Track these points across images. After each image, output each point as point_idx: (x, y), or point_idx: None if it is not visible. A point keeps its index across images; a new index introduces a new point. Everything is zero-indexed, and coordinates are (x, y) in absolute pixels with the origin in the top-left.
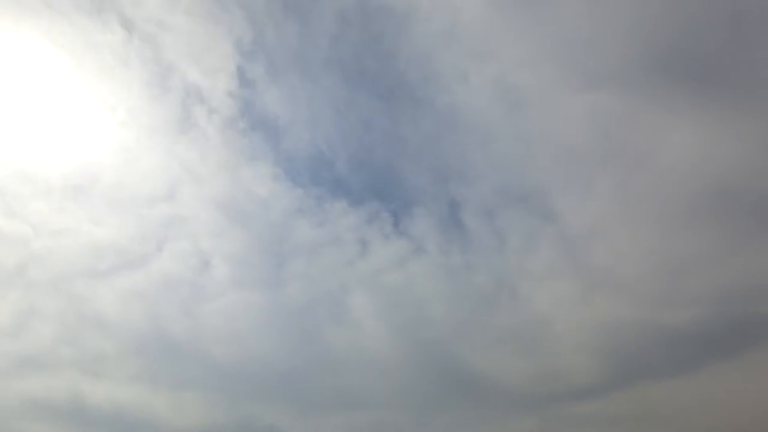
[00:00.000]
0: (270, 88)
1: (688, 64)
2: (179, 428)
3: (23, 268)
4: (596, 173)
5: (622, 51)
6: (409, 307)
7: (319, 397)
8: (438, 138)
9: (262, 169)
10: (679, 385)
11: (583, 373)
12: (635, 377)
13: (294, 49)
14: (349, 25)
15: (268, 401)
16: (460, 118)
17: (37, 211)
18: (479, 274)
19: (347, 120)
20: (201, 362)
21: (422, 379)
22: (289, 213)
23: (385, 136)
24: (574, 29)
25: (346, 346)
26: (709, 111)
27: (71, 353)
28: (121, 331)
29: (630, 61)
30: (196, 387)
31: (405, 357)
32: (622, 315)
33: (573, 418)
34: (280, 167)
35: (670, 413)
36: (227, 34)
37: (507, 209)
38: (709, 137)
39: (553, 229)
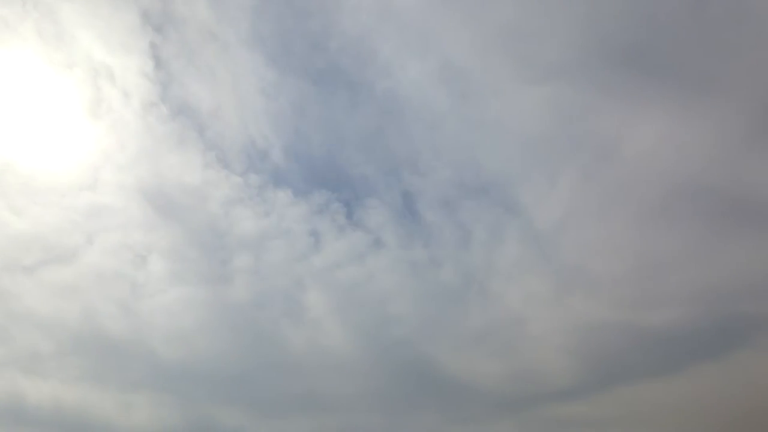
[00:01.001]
0: (187, 68)
1: (650, 58)
2: (129, 431)
3: None
4: (560, 164)
5: (576, 42)
6: (371, 304)
7: (282, 399)
8: (381, 126)
9: (191, 157)
10: (661, 386)
11: (561, 375)
12: (616, 379)
13: (208, 24)
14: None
15: (228, 403)
16: (404, 104)
17: None
18: (445, 269)
19: (277, 104)
20: (148, 362)
21: (393, 381)
22: (228, 203)
23: (321, 122)
24: (523, 19)
25: (306, 346)
26: (677, 106)
27: (4, 352)
28: (56, 329)
29: (586, 53)
30: (145, 388)
31: (372, 358)
32: (600, 316)
33: (552, 420)
34: (212, 154)
35: (652, 415)
36: (133, 4)
37: (467, 200)
38: (677, 133)
39: (519, 223)
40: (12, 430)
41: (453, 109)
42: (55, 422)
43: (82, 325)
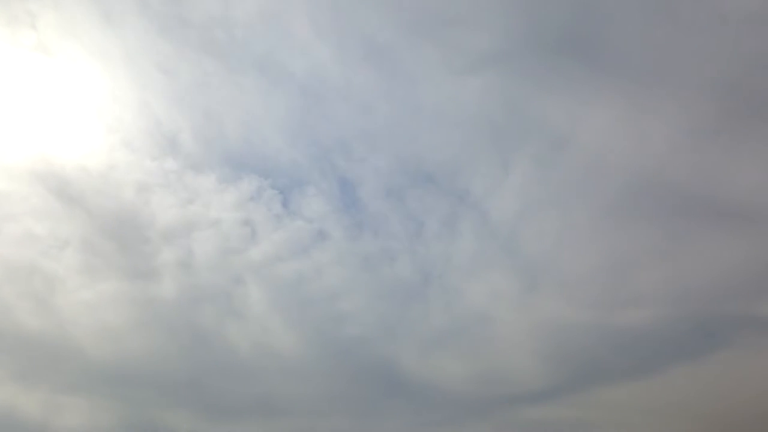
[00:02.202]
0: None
1: (593, 48)
2: None
3: None
4: (510, 154)
5: (510, 31)
6: (321, 301)
7: (236, 403)
8: (303, 108)
9: (92, 141)
10: (638, 387)
11: (532, 377)
12: (590, 380)
13: None
14: None
15: (175, 407)
16: (325, 85)
17: None
18: (399, 263)
19: (178, 82)
20: (78, 362)
21: (354, 384)
22: (144, 189)
23: (232, 103)
24: (451, 6)
25: (254, 347)
26: (630, 98)
27: None
28: None
29: (521, 42)
30: (80, 390)
31: (328, 359)
32: (569, 315)
33: (526, 423)
34: (116, 137)
35: (628, 417)
36: None
37: (413, 189)
38: (633, 126)
39: (473, 214)
40: None
41: (383, 93)
42: None
43: None
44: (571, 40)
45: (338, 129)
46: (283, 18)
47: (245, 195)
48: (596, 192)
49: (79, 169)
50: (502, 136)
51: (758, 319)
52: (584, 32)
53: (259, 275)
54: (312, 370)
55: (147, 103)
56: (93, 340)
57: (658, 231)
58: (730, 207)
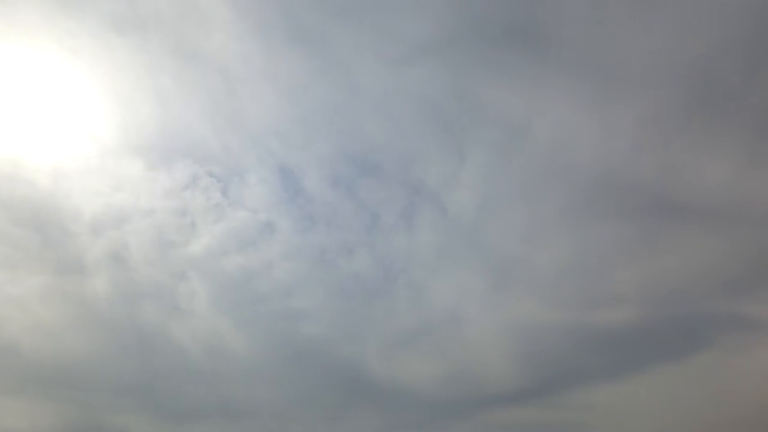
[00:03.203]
0: None
1: (543, 38)
2: None
3: None
4: (464, 144)
5: (449, 21)
6: (272, 299)
7: (187, 405)
8: (225, 91)
9: None
10: (617, 388)
11: (506, 378)
12: (567, 381)
13: None
14: None
15: (119, 409)
16: (242, 65)
17: None
18: (357, 258)
19: (80, 59)
20: (12, 362)
21: (318, 386)
22: (53, 173)
23: (141, 84)
24: None
25: (205, 347)
26: (593, 93)
27: None
28: None
29: (462, 32)
30: (14, 390)
31: (287, 360)
32: (541, 315)
33: (501, 425)
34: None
35: (608, 417)
36: None
37: (362, 179)
38: (592, 122)
39: (430, 206)
40: None
41: (314, 78)
42: None
43: None
44: (518, 29)
45: (268, 114)
46: None
47: (179, 183)
48: (561, 187)
49: None
50: (453, 126)
51: (741, 318)
52: (532, 21)
53: (202, 270)
54: (271, 372)
55: (54, 84)
56: (27, 338)
57: (629, 229)
58: (701, 205)
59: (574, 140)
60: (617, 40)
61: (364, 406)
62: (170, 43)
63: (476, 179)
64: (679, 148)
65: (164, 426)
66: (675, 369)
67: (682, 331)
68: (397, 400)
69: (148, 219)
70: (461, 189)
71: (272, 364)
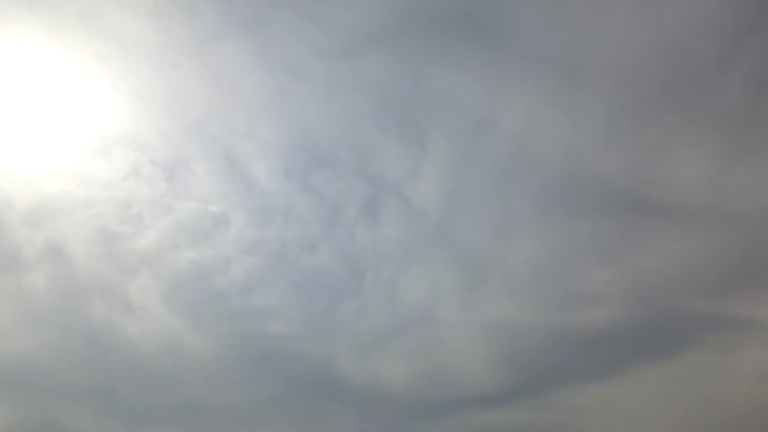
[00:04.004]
0: None
1: (498, 28)
2: None
3: None
4: (424, 135)
5: (392, 12)
6: (230, 296)
7: (148, 407)
8: (149, 74)
9: None
10: (601, 389)
11: (485, 379)
12: (549, 382)
13: None
14: None
15: (73, 412)
16: (175, 52)
17: None
18: (320, 253)
19: None
20: None
21: (288, 388)
22: None
23: (52, 64)
24: None
25: (160, 347)
26: (557, 86)
27: None
28: None
29: (406, 23)
30: None
31: (251, 361)
32: (521, 316)
33: (480, 427)
34: None
35: (592, 418)
36: None
37: (318, 170)
38: (561, 115)
39: (393, 199)
40: None
41: (250, 66)
42: None
43: None
44: (469, 18)
45: (204, 99)
46: None
47: (119, 172)
48: (531, 182)
49: None
50: (412, 116)
51: (727, 318)
52: (483, 10)
53: (153, 266)
54: (237, 373)
55: None
56: None
57: (605, 226)
58: (679, 201)
59: (541, 132)
60: (578, 25)
61: (338, 407)
62: (93, 27)
63: (440, 171)
64: (652, 141)
65: (127, 429)
66: (660, 369)
67: (667, 331)
68: (371, 401)
69: (88, 210)
70: (425, 182)
71: (238, 365)
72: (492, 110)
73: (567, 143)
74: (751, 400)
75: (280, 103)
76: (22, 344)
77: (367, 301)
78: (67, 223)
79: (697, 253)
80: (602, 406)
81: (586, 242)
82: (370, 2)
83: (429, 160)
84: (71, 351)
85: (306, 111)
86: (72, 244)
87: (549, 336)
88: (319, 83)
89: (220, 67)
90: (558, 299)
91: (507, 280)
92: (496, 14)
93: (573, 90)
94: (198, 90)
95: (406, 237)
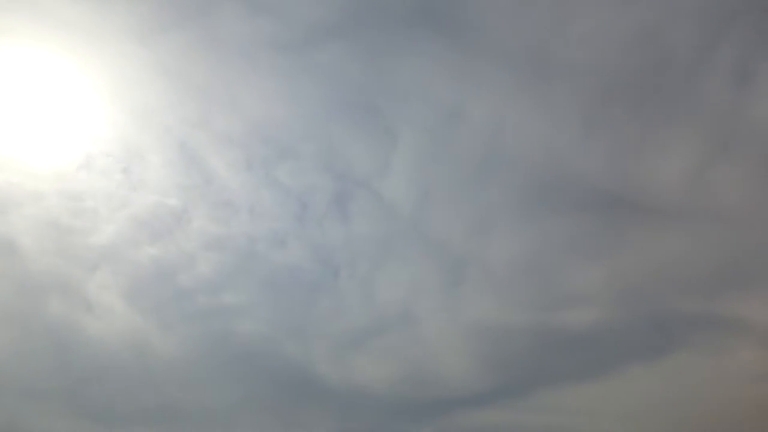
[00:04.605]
0: None
1: (460, 21)
2: None
3: None
4: (393, 128)
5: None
6: (197, 294)
7: (120, 408)
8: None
9: None
10: (588, 389)
11: (469, 379)
12: (534, 383)
13: None
14: None
15: (42, 413)
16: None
17: None
18: (291, 250)
19: None
20: None
21: (264, 388)
22: None
23: None
24: None
25: (127, 347)
26: (529, 81)
27: None
28: None
29: (360, 15)
30: None
31: (224, 361)
32: (504, 316)
33: (465, 428)
34: None
35: (578, 420)
36: None
37: (281, 163)
38: (534, 112)
39: (364, 194)
40: None
41: (197, 55)
42: None
43: None
44: (427, 10)
45: (153, 88)
46: None
47: (71, 163)
48: (507, 178)
49: None
50: (378, 108)
51: (715, 318)
52: (441, 2)
53: (111, 262)
54: (211, 373)
55: None
56: None
57: (585, 225)
58: (659, 199)
59: (516, 126)
60: (551, 17)
61: (318, 409)
62: (26, 11)
63: (411, 165)
64: (632, 137)
65: (96, 430)
66: (648, 370)
67: (655, 332)
68: (352, 403)
69: (39, 204)
70: (396, 176)
71: (211, 366)
72: (461, 102)
73: (544, 138)
74: (740, 401)
75: (233, 94)
76: None
77: (343, 299)
78: (18, 216)
79: (683, 252)
80: (590, 407)
81: (569, 241)
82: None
83: (398, 154)
84: (31, 351)
85: (262, 102)
86: (23, 237)
87: (534, 336)
88: (276, 74)
89: (169, 56)
90: (542, 299)
91: (488, 279)
92: (460, 4)
93: (547, 83)
94: (147, 79)
95: (380, 233)
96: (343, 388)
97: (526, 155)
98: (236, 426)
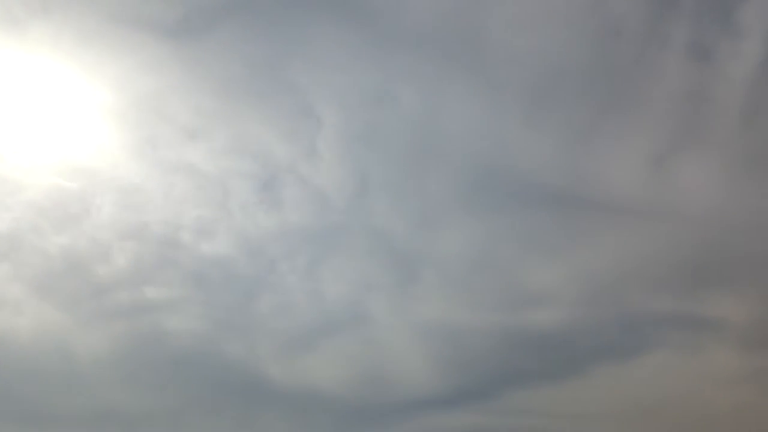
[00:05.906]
0: None
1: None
2: None
3: None
4: (313, 108)
5: None
6: (115, 289)
7: (48, 410)
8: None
9: None
10: (560, 390)
11: (428, 381)
12: (500, 385)
13: None
14: None
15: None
16: None
17: None
18: (218, 240)
19: None
20: None
21: (208, 390)
22: None
23: None
24: None
25: (45, 346)
26: (471, 67)
27: None
28: None
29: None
30: None
31: (161, 361)
32: (461, 316)
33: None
34: None
35: (547, 422)
36: None
37: (189, 146)
38: (470, 98)
39: (291, 181)
40: None
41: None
42: None
43: None
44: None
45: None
46: None
47: None
48: (447, 168)
49: None
50: (293, 87)
51: (688, 317)
52: None
53: (14, 252)
54: (148, 376)
55: None
56: None
57: (537, 222)
58: (611, 197)
59: (449, 114)
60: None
61: (268, 412)
62: None
63: (341, 150)
64: (579, 129)
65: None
66: (619, 370)
67: (624, 331)
68: (305, 406)
69: None
70: (324, 161)
71: (143, 365)
72: (386, 85)
73: (482, 127)
74: (714, 400)
75: (115, 70)
76: None
77: (285, 296)
78: None
79: (646, 249)
80: (560, 408)
81: (522, 237)
82: None
83: (324, 137)
84: None
85: (153, 77)
86: None
87: (497, 336)
88: (163, 58)
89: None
90: (502, 297)
91: (442, 277)
92: None
93: (483, 67)
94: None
95: (315, 224)
96: (295, 391)
97: (465, 145)
98: (191, 426)
